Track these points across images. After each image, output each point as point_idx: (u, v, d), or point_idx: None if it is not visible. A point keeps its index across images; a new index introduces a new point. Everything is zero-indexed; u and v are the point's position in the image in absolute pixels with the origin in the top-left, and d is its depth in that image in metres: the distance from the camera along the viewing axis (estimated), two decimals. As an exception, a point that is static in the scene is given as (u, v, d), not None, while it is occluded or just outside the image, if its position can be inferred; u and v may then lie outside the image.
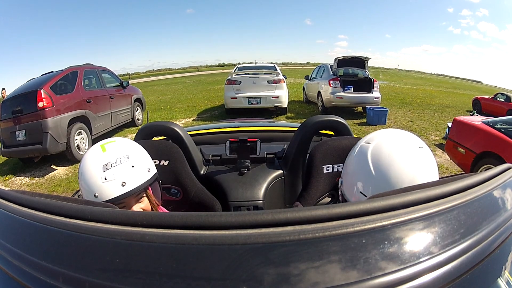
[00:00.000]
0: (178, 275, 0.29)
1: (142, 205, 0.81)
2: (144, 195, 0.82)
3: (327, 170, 0.96)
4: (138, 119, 6.61)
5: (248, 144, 1.19)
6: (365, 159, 0.67)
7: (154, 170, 0.84)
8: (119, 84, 6.07)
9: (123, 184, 0.73)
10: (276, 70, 7.42)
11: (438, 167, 0.66)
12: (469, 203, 0.39)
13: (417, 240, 0.33)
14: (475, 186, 0.42)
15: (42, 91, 4.14)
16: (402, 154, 0.64)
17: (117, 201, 0.73)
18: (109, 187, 0.72)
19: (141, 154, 0.82)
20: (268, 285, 0.28)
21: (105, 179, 0.72)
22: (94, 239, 0.34)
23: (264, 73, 6.98)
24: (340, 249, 0.30)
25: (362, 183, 0.66)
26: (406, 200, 0.36)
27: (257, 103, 6.67)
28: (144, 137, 1.13)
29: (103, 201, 0.70)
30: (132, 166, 0.76)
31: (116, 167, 0.74)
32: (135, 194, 0.78)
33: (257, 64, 8.51)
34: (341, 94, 6.79)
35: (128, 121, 6.32)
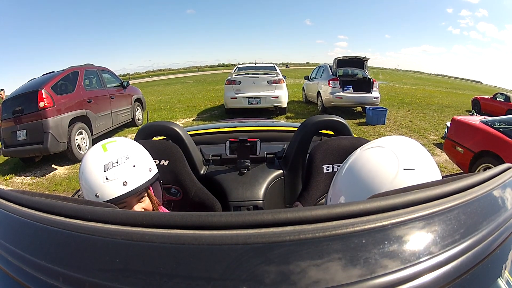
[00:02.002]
0: (178, 275, 0.29)
1: (144, 205, 0.81)
2: (146, 194, 0.82)
3: (327, 169, 0.96)
4: (138, 119, 6.62)
5: (248, 144, 1.19)
6: (343, 165, 0.64)
7: (155, 170, 0.84)
8: (119, 84, 6.08)
9: (125, 183, 0.73)
10: (276, 70, 7.43)
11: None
12: (469, 203, 0.39)
13: (417, 240, 0.33)
14: (475, 186, 0.42)
15: (43, 91, 4.15)
16: (375, 173, 0.55)
17: (119, 200, 0.73)
18: (110, 186, 0.72)
19: (142, 153, 0.82)
20: (268, 285, 0.28)
21: (107, 178, 0.72)
22: (94, 239, 0.34)
23: (264, 73, 6.99)
24: (340, 249, 0.30)
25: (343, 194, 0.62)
26: (406, 200, 0.36)
27: (257, 103, 6.67)
28: (144, 137, 1.13)
29: (105, 201, 0.70)
30: (134, 166, 0.76)
31: (118, 167, 0.73)
32: (137, 194, 0.78)
33: (257, 65, 8.51)
34: (341, 94, 6.80)
35: (129, 121, 6.33)
